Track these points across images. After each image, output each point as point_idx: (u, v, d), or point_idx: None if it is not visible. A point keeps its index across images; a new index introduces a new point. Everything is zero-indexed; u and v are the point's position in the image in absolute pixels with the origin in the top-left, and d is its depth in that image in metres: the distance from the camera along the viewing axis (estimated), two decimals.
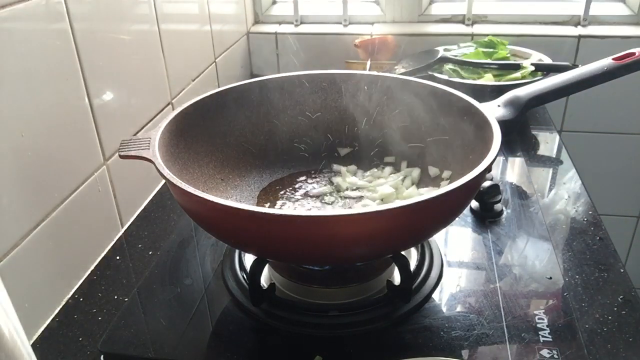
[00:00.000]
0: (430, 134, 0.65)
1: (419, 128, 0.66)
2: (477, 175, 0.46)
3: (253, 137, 0.70)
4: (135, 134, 0.76)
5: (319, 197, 0.67)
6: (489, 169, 0.48)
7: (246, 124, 0.69)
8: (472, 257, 0.65)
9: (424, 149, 0.66)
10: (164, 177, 0.49)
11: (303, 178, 0.71)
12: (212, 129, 0.66)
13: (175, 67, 0.88)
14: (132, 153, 0.54)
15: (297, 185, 0.69)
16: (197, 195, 0.45)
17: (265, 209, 0.43)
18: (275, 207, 0.66)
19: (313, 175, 0.71)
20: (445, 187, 0.44)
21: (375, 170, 0.70)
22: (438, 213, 0.48)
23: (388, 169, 0.69)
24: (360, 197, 0.66)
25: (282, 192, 0.68)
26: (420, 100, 0.64)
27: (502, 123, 0.55)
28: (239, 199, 0.66)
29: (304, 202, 0.67)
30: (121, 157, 0.54)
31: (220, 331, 0.55)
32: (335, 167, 0.72)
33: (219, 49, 1.09)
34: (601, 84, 1.20)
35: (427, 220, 0.48)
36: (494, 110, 0.58)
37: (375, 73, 0.69)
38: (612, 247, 0.66)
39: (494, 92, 1.00)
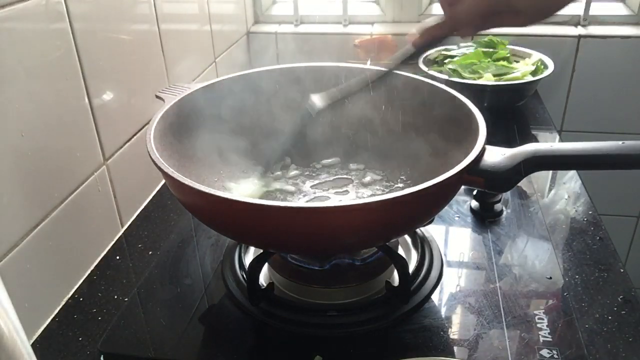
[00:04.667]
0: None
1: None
2: (453, 175, 0.46)
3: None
4: (135, 134, 0.76)
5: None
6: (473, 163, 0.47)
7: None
8: (472, 257, 0.65)
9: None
10: (162, 171, 0.49)
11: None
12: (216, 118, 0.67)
13: (175, 67, 0.88)
14: (162, 95, 0.63)
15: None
16: (194, 188, 0.45)
17: (261, 201, 0.44)
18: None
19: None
20: (431, 181, 0.45)
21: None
22: (423, 205, 0.49)
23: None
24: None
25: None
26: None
27: (491, 174, 0.48)
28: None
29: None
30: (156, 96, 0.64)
31: (220, 331, 0.55)
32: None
33: (219, 49, 1.09)
34: (600, 83, 1.22)
35: (410, 212, 0.48)
36: (495, 153, 0.50)
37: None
38: (612, 247, 0.66)
39: (494, 92, 1.00)
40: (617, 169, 0.48)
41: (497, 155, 0.49)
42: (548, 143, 0.49)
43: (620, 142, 0.46)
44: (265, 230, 0.47)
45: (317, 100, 0.61)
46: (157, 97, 0.63)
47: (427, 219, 0.57)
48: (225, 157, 0.68)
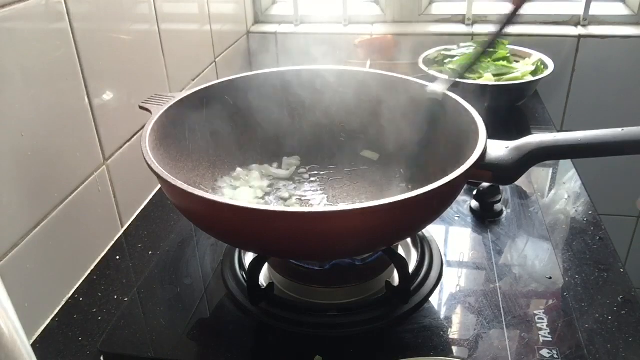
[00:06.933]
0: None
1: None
2: (459, 176, 0.46)
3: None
4: (135, 134, 0.76)
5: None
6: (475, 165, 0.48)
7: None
8: (472, 257, 0.65)
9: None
10: (159, 176, 0.49)
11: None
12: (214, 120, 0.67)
13: (175, 67, 0.88)
14: (146, 106, 0.61)
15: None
16: (189, 192, 0.45)
17: (259, 206, 0.44)
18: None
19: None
20: (434, 184, 0.44)
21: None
22: (425, 209, 0.49)
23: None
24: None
25: None
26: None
27: (498, 167, 0.50)
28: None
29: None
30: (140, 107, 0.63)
31: (220, 331, 0.55)
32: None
33: (219, 49, 1.09)
34: (600, 83, 1.22)
35: (413, 215, 0.48)
36: (497, 146, 0.51)
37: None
38: (612, 247, 0.66)
39: (494, 92, 1.00)
40: (617, 155, 0.51)
41: (500, 149, 0.51)
42: (550, 134, 0.51)
43: (619, 129, 0.49)
44: (264, 236, 0.47)
45: (437, 86, 0.62)
46: (157, 98, 0.63)
47: (433, 219, 0.56)
48: (221, 161, 0.67)
